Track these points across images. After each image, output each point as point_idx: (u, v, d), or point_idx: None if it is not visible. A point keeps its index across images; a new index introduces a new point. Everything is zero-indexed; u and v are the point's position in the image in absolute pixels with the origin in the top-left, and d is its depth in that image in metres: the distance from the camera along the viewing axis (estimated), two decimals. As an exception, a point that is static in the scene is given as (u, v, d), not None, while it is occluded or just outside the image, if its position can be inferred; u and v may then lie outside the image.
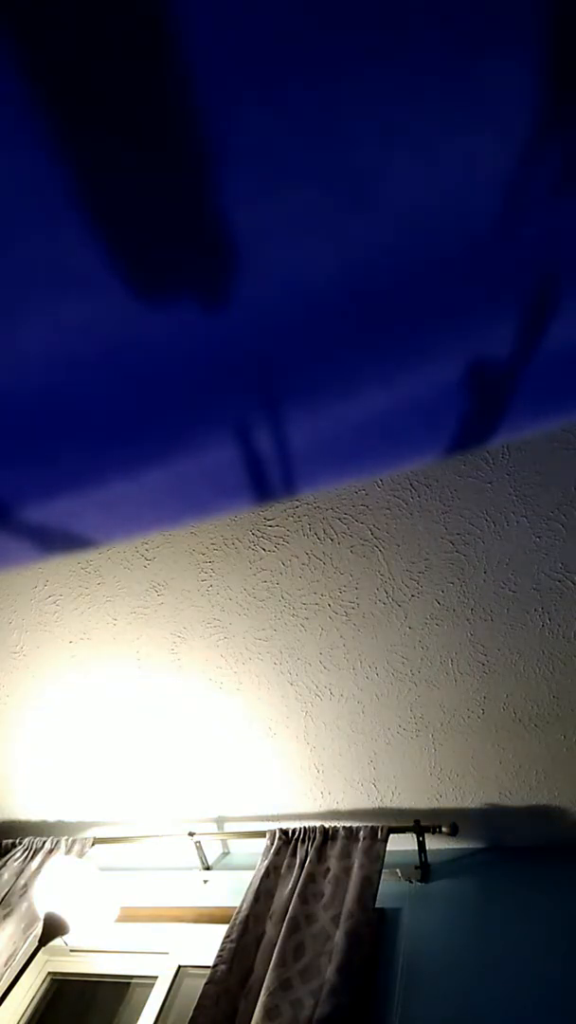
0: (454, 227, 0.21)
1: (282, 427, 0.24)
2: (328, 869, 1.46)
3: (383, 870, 1.42)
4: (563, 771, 1.47)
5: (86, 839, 1.78)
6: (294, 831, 1.60)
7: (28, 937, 1.53)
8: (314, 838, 1.55)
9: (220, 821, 1.81)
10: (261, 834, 1.64)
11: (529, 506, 1.14)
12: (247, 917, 1.38)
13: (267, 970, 1.24)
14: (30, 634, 1.49)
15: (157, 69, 0.15)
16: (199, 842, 1.74)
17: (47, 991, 1.69)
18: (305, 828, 1.59)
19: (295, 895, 1.39)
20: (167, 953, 1.60)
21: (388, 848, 1.47)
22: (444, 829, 1.49)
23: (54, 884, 1.51)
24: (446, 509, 1.16)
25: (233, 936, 1.33)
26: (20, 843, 1.87)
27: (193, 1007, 1.21)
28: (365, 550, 1.24)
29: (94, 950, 1.68)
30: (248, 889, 1.47)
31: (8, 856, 1.83)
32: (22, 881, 1.70)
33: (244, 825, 1.79)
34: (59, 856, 1.72)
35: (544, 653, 1.31)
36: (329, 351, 0.23)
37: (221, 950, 1.31)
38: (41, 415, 0.21)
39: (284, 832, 1.60)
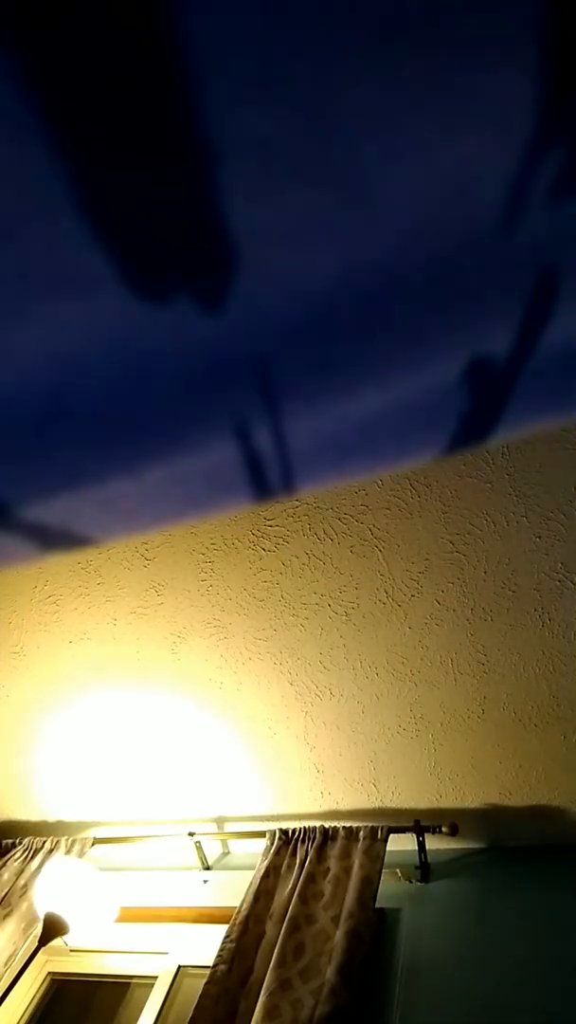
0: (454, 227, 0.21)
1: (281, 426, 0.24)
2: (328, 869, 1.46)
3: (383, 870, 1.42)
4: (563, 771, 1.47)
5: (86, 839, 1.78)
6: (294, 831, 1.60)
7: (28, 937, 1.53)
8: (314, 838, 1.55)
9: (220, 821, 1.81)
10: (261, 834, 1.64)
11: (529, 506, 1.14)
12: (247, 917, 1.38)
13: (267, 970, 1.24)
14: (30, 634, 1.49)
15: (157, 67, 0.15)
16: (199, 842, 1.74)
17: (47, 991, 1.69)
18: (305, 828, 1.59)
19: (295, 895, 1.39)
20: (167, 953, 1.60)
21: (388, 848, 1.47)
22: (444, 829, 1.49)
23: (54, 884, 1.51)
24: (446, 509, 1.16)
25: (233, 936, 1.33)
26: (20, 843, 1.87)
27: (193, 1007, 1.21)
28: (365, 550, 1.24)
29: (94, 950, 1.68)
30: (248, 889, 1.47)
31: (8, 856, 1.83)
32: (22, 881, 1.70)
33: (244, 825, 1.79)
34: (59, 856, 1.72)
35: (544, 653, 1.31)
36: (328, 350, 0.23)
37: (221, 950, 1.31)
38: (39, 414, 0.21)
39: (284, 832, 1.60)
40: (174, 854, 1.82)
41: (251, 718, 1.54)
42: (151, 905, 1.71)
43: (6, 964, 1.48)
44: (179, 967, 1.57)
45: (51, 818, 1.94)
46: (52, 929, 1.45)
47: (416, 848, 1.55)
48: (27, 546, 0.25)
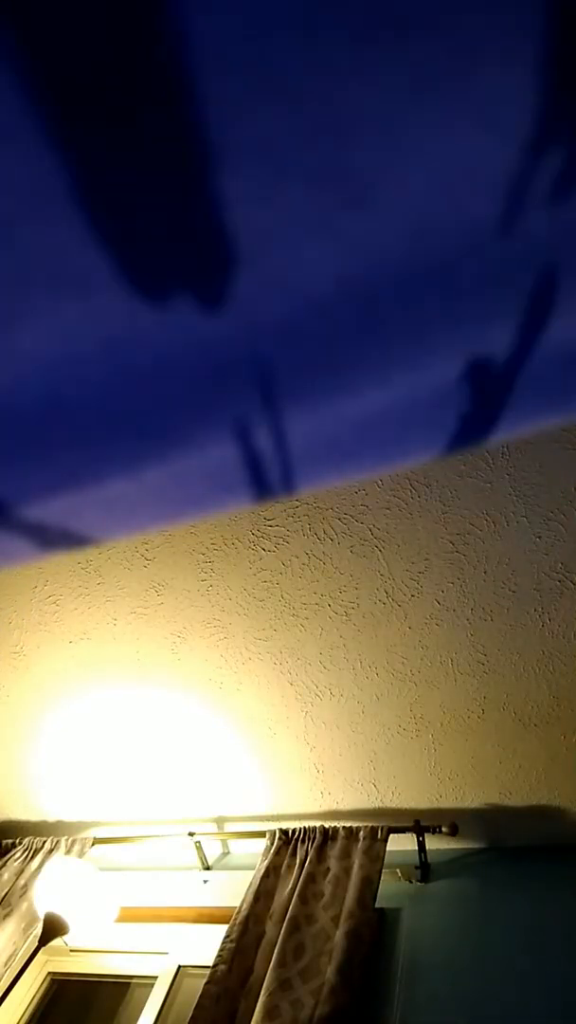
0: (454, 227, 0.21)
1: (281, 425, 0.24)
2: (328, 869, 1.46)
3: (383, 870, 1.42)
4: (563, 771, 1.47)
5: (86, 839, 1.78)
6: (294, 831, 1.60)
7: (28, 937, 1.53)
8: (314, 838, 1.55)
9: (220, 821, 1.81)
10: (261, 834, 1.64)
11: (529, 506, 1.14)
12: (247, 917, 1.38)
13: (267, 970, 1.24)
14: (30, 634, 1.49)
15: (158, 67, 0.15)
16: (199, 842, 1.74)
17: (47, 991, 1.69)
18: (305, 828, 1.59)
19: (295, 895, 1.39)
20: (167, 953, 1.60)
21: (388, 848, 1.47)
22: (444, 829, 1.49)
23: (54, 884, 1.51)
24: (446, 509, 1.16)
25: (233, 936, 1.33)
26: (20, 843, 1.87)
27: (193, 1007, 1.21)
28: (365, 550, 1.24)
29: (94, 950, 1.68)
30: (248, 889, 1.47)
31: (8, 856, 1.83)
32: (22, 881, 1.70)
33: (244, 825, 1.79)
34: (59, 856, 1.72)
35: (544, 653, 1.31)
36: (328, 350, 0.23)
37: (221, 950, 1.31)
38: (39, 413, 0.21)
39: (284, 832, 1.60)
40: (174, 854, 1.83)
41: (251, 718, 1.54)
42: (151, 905, 1.71)
43: (6, 964, 1.48)
44: (179, 967, 1.57)
45: (51, 818, 1.94)
46: (52, 929, 1.45)
47: (416, 848, 1.55)
48: (27, 546, 0.25)
